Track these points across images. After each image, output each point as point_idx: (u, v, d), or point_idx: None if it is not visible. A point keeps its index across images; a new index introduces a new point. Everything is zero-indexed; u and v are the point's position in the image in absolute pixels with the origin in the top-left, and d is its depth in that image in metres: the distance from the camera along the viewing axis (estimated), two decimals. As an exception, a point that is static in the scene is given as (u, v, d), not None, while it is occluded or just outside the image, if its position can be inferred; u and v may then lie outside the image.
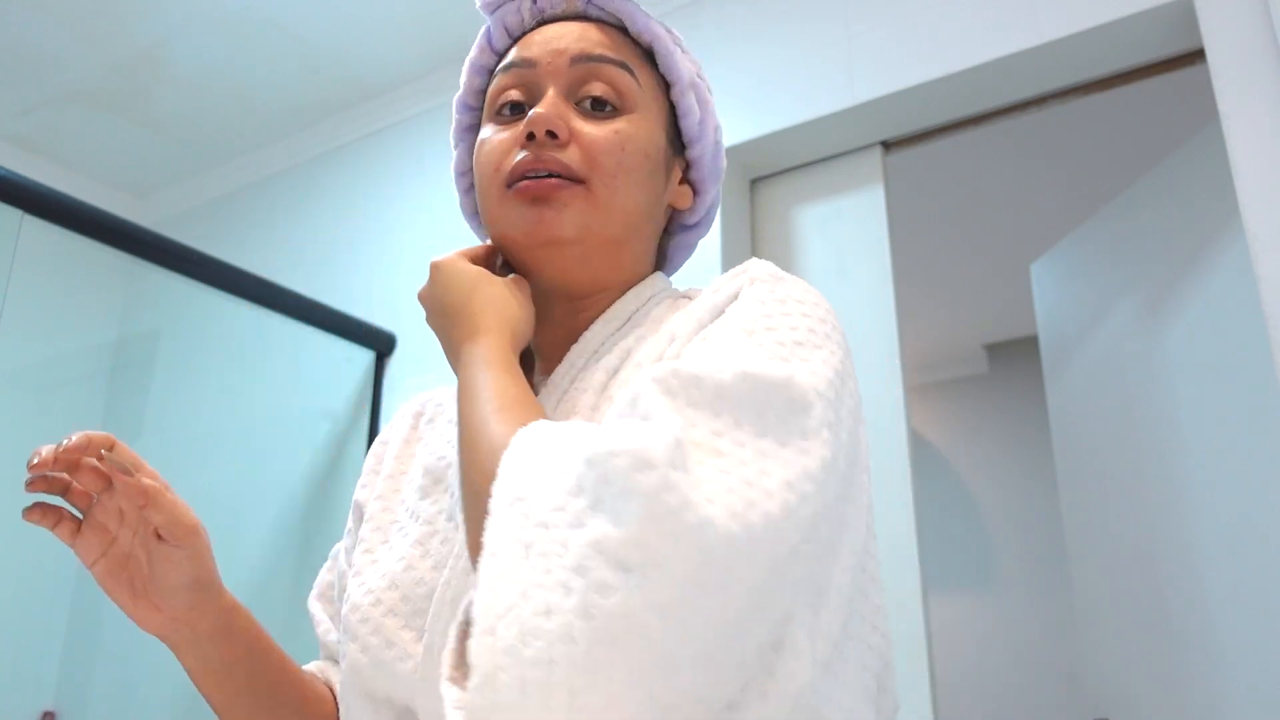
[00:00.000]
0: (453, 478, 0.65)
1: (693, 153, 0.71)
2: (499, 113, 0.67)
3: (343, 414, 2.16)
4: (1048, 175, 2.82)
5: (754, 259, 0.61)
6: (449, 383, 0.71)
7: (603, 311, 0.66)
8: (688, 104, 0.69)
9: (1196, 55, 1.51)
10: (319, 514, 2.12)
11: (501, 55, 0.70)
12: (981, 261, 3.45)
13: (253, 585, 2.13)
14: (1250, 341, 1.45)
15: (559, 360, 0.65)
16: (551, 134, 0.62)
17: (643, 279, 0.69)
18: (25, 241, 1.63)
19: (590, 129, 0.63)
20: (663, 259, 0.75)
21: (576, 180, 0.62)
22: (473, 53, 0.72)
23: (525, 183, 0.62)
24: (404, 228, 2.30)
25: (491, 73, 0.71)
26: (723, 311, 0.56)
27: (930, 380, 4.44)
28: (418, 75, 2.35)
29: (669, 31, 0.70)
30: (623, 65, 0.65)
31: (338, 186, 2.50)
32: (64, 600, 2.18)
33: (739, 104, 1.80)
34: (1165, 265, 1.73)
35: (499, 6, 0.70)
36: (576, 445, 0.44)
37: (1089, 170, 2.77)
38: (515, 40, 0.69)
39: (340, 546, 0.77)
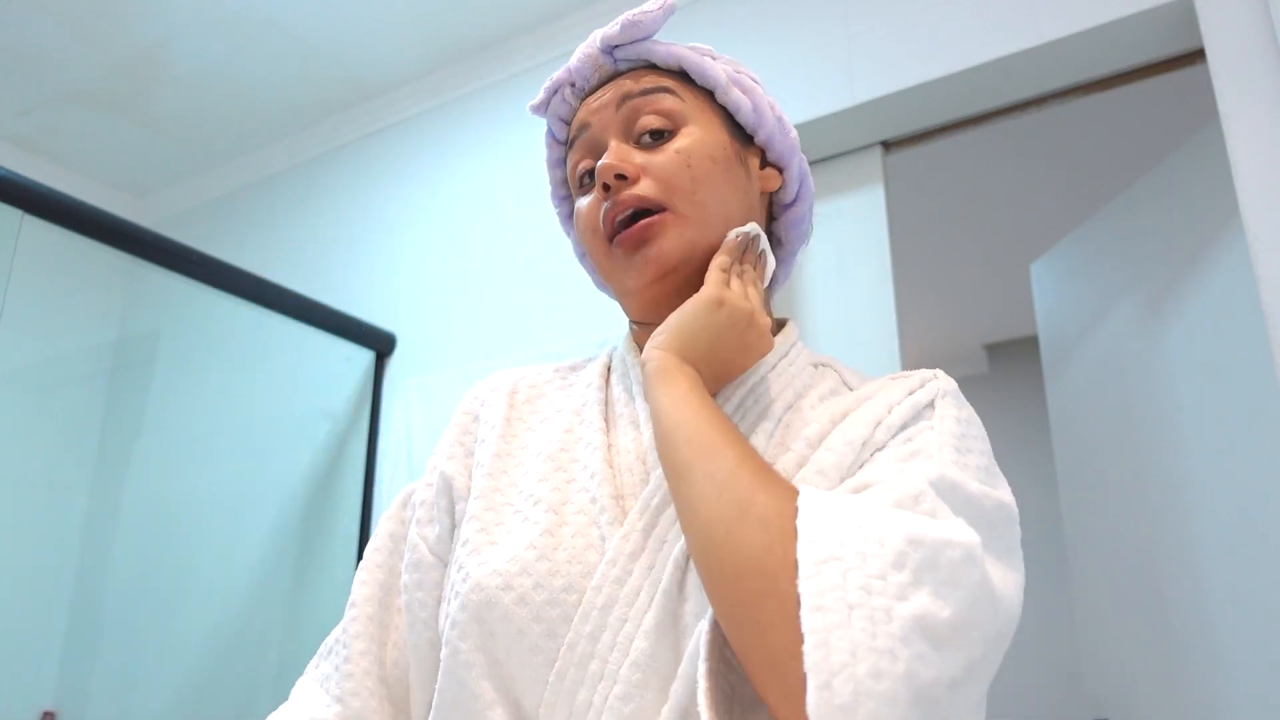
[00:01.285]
0: (580, 471, 0.67)
1: (760, 137, 0.74)
2: (581, 184, 0.73)
3: (343, 414, 2.16)
4: (1048, 175, 2.82)
5: (928, 369, 0.71)
6: (459, 385, 0.71)
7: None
8: (735, 100, 0.72)
9: (1196, 55, 1.51)
10: (319, 514, 2.12)
11: (567, 143, 0.75)
12: (981, 261, 3.45)
13: (253, 585, 2.13)
14: (1250, 341, 1.45)
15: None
16: (620, 176, 0.67)
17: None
18: (25, 241, 1.63)
19: (654, 158, 0.68)
20: (776, 245, 0.79)
21: (660, 209, 0.67)
22: (545, 153, 0.79)
23: (621, 235, 0.67)
24: (404, 228, 2.30)
25: (564, 162, 0.76)
26: (921, 415, 0.64)
27: (930, 380, 4.43)
28: (418, 75, 2.35)
29: (694, 49, 0.74)
30: (661, 89, 0.70)
31: (338, 186, 2.50)
32: (64, 600, 2.18)
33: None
34: (1165, 265, 1.73)
35: (547, 104, 0.76)
36: (891, 523, 0.49)
37: (1089, 170, 2.77)
38: (570, 124, 0.75)
39: (414, 499, 0.75)
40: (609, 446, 0.68)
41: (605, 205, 0.68)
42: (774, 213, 0.78)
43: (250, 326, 2.23)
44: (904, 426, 0.63)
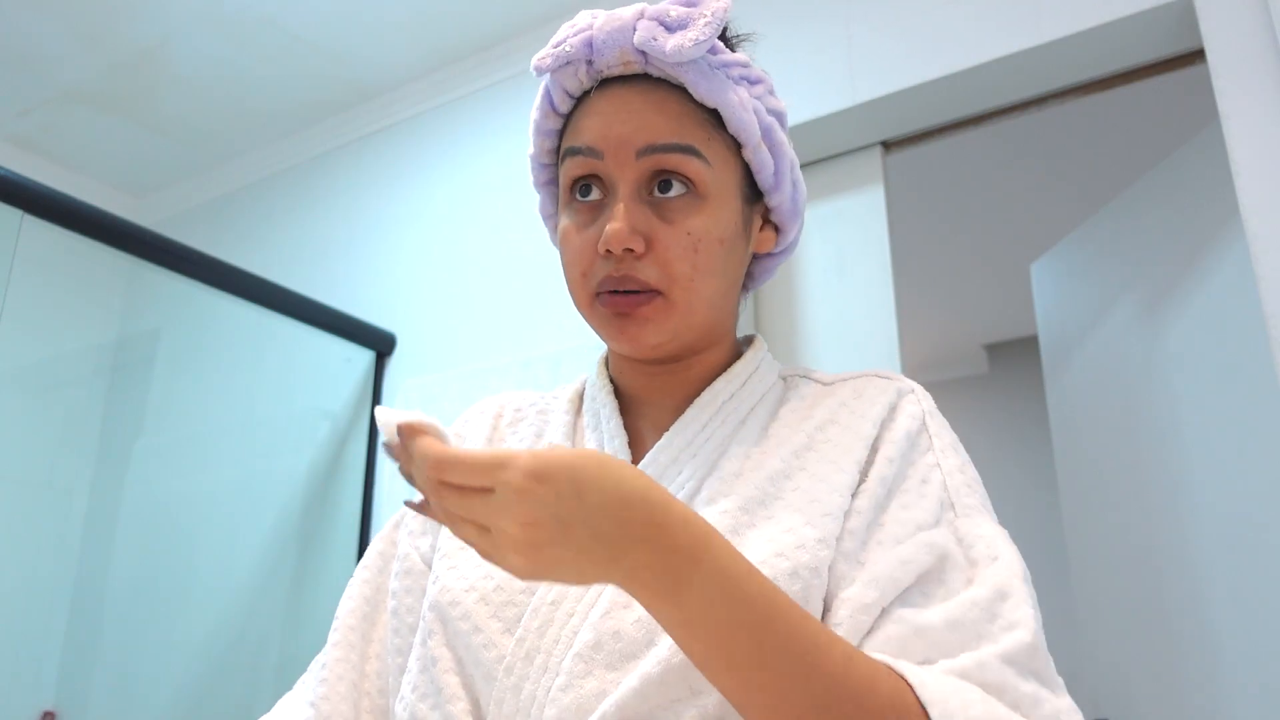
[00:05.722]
0: None
1: (771, 201, 0.71)
2: (574, 194, 0.67)
3: (343, 414, 2.16)
4: (1048, 175, 2.82)
5: (903, 378, 0.69)
6: (459, 384, 0.71)
7: (712, 370, 0.71)
8: (760, 160, 0.68)
9: (1196, 55, 1.51)
10: (319, 514, 2.12)
11: (566, 116, 0.69)
12: (981, 261, 3.45)
13: (253, 585, 2.13)
14: (1250, 341, 1.45)
15: (667, 405, 0.71)
16: (628, 249, 0.62)
17: (733, 327, 0.74)
18: (25, 241, 1.63)
19: (663, 234, 0.63)
20: (749, 279, 0.78)
21: (655, 292, 0.63)
22: (535, 115, 0.71)
23: (609, 297, 0.64)
24: (404, 228, 2.30)
25: (559, 134, 0.70)
26: (916, 444, 0.63)
27: (930, 380, 4.44)
28: (418, 75, 2.35)
29: (732, 66, 0.66)
30: (688, 150, 0.63)
31: (338, 186, 2.50)
32: (64, 600, 2.18)
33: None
34: (1165, 265, 1.72)
35: (556, 70, 0.67)
36: None
37: (1089, 170, 2.77)
38: (577, 100, 0.68)
39: (407, 514, 0.77)
40: None
41: (602, 265, 0.64)
42: (758, 256, 0.76)
43: (250, 326, 2.23)
44: (905, 459, 0.63)
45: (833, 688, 0.48)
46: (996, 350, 4.31)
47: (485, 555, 0.47)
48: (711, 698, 0.54)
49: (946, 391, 4.38)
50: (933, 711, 0.48)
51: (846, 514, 0.60)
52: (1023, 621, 0.54)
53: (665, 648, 0.55)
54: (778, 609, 0.49)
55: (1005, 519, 0.63)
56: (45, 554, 2.22)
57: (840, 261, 1.75)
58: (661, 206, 0.63)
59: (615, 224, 0.62)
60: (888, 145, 1.80)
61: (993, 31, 1.57)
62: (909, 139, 1.78)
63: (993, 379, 4.32)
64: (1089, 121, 2.52)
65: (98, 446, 2.40)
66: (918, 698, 0.49)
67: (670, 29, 0.63)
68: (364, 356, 2.18)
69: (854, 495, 0.61)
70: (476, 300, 2.08)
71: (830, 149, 1.81)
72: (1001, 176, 2.83)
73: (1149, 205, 1.79)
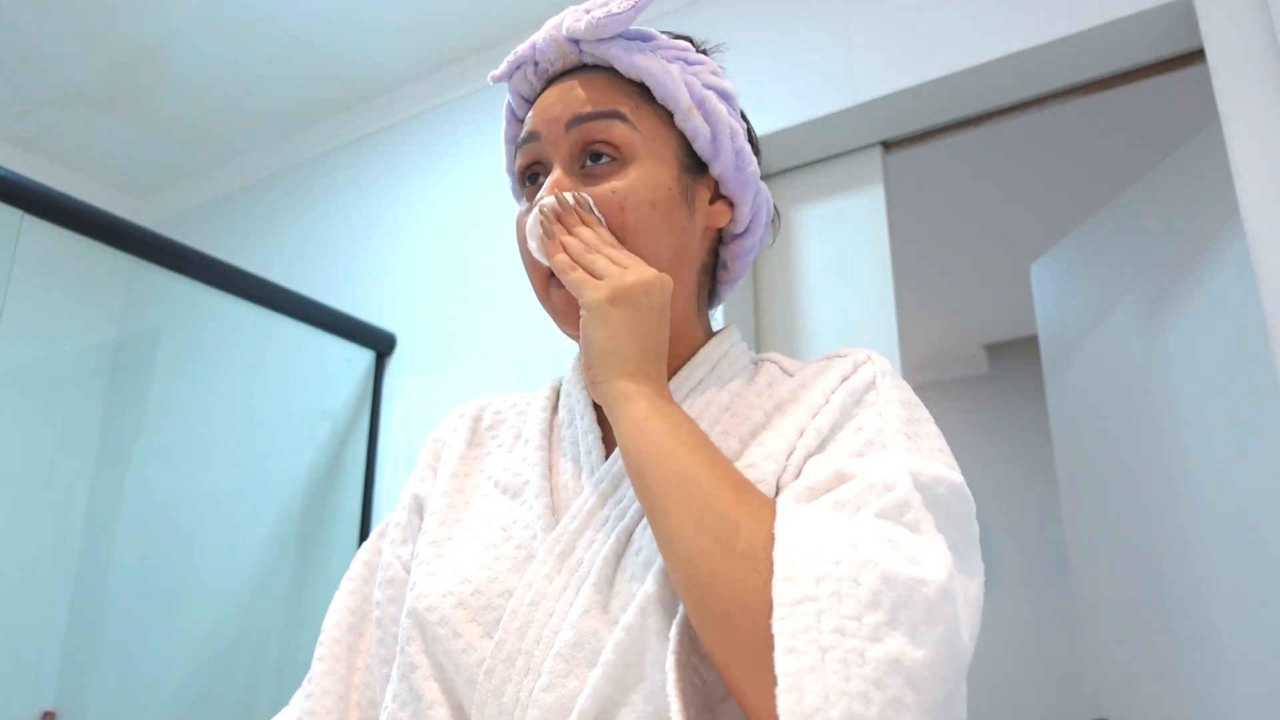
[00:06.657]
0: (531, 494, 0.68)
1: (714, 170, 0.71)
2: (523, 185, 0.72)
3: (343, 414, 2.16)
4: (1048, 175, 2.82)
5: (860, 350, 0.68)
6: (459, 384, 0.71)
7: (681, 361, 0.71)
8: (693, 127, 0.69)
9: (1196, 55, 1.51)
10: (319, 514, 2.12)
11: (524, 122, 0.73)
12: (981, 261, 3.45)
13: (252, 585, 2.13)
14: (1250, 341, 1.45)
15: None
16: None
17: (696, 305, 0.74)
18: (25, 241, 1.63)
19: (591, 194, 0.66)
20: (723, 269, 0.77)
21: None
22: (503, 126, 0.77)
23: (561, 291, 0.67)
24: (403, 228, 2.30)
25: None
26: (863, 400, 0.63)
27: (930, 380, 4.44)
28: (418, 75, 2.35)
29: (667, 49, 0.70)
30: (611, 114, 0.67)
31: (338, 186, 2.50)
32: (64, 600, 2.18)
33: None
34: (1165, 265, 1.73)
35: (509, 77, 0.73)
36: (867, 556, 0.48)
37: (1089, 170, 2.77)
38: (531, 104, 0.73)
39: (390, 523, 0.79)
40: (550, 465, 0.70)
41: None
42: (723, 239, 0.76)
43: (250, 326, 2.23)
44: (845, 412, 0.63)
45: (702, 525, 0.52)
46: (996, 350, 4.32)
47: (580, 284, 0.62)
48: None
49: (946, 391, 4.38)
50: (779, 540, 0.50)
51: (780, 475, 0.61)
52: (899, 484, 0.54)
53: (621, 629, 0.56)
54: (672, 461, 0.55)
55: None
56: (45, 554, 2.22)
57: (840, 261, 1.75)
58: (591, 174, 0.67)
59: (543, 192, 0.66)
60: (888, 145, 1.80)
61: (992, 31, 1.57)
62: (909, 139, 1.78)
63: (993, 379, 4.32)
64: (1089, 121, 2.52)
65: (98, 446, 2.40)
66: (772, 532, 0.51)
67: (590, 12, 0.68)
68: (364, 356, 2.18)
69: (789, 455, 0.62)
70: (476, 300, 2.08)
71: (830, 149, 1.81)
72: (1001, 176, 2.83)
73: (1149, 205, 1.79)
